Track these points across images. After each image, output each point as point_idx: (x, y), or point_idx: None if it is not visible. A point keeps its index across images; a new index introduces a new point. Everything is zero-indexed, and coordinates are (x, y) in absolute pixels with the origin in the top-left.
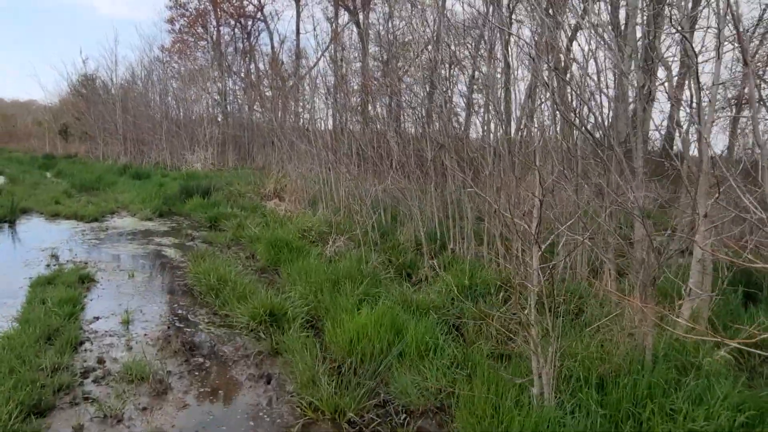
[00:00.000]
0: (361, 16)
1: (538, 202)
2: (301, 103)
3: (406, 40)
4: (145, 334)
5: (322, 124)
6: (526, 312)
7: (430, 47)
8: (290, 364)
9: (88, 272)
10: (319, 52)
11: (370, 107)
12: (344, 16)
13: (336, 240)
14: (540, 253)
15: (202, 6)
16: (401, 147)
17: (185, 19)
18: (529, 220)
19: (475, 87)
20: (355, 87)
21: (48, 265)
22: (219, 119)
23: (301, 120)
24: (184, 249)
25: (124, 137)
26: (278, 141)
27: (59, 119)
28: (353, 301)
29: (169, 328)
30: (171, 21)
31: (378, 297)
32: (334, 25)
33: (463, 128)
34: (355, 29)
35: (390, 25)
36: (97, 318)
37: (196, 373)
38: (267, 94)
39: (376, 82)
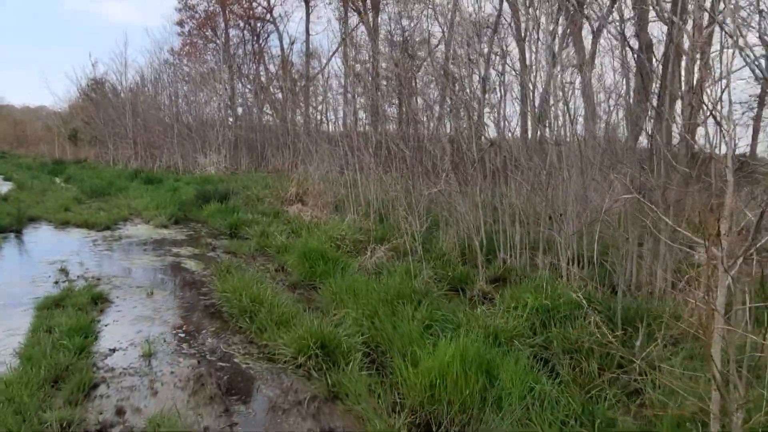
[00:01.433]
0: (370, 16)
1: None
2: (314, 104)
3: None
4: (172, 372)
5: (342, 124)
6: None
7: (441, 46)
8: (355, 413)
9: (101, 291)
10: (332, 52)
11: (401, 105)
12: (354, 17)
13: (375, 250)
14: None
15: (212, 8)
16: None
17: (194, 21)
18: (715, 237)
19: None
20: (384, 84)
21: (56, 282)
22: (230, 121)
23: (314, 121)
24: (206, 260)
25: (134, 141)
26: (296, 142)
27: (69, 124)
28: (418, 328)
29: (199, 362)
30: (180, 23)
31: (445, 322)
32: (343, 27)
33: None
34: (365, 30)
35: (405, 24)
36: (114, 350)
37: (241, 430)
38: (278, 96)
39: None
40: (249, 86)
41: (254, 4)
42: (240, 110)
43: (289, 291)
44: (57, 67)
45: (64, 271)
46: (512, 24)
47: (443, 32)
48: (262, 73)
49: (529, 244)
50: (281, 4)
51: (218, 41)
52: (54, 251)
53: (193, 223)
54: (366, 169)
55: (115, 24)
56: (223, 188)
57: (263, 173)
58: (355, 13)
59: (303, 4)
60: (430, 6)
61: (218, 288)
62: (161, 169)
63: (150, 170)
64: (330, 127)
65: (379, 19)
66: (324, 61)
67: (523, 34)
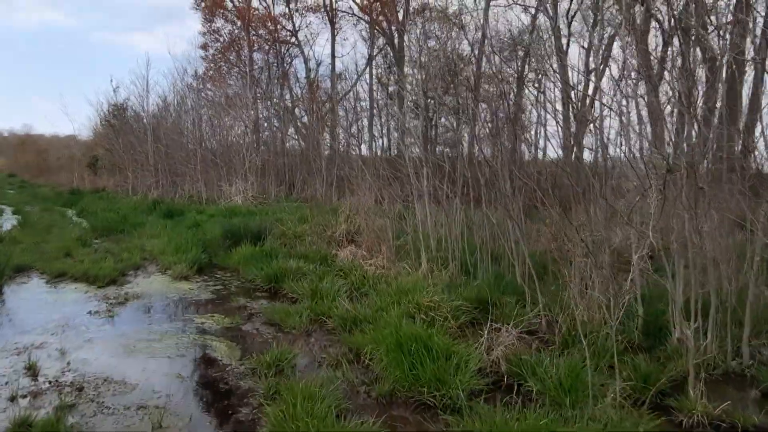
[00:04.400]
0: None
1: None
2: (344, 126)
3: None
4: None
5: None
6: None
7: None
8: None
9: (74, 425)
10: (364, 74)
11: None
12: (380, 39)
13: (500, 332)
14: None
15: (236, 31)
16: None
17: (219, 44)
18: None
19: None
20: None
21: (12, 398)
22: (255, 146)
23: (344, 143)
24: (242, 341)
25: (155, 168)
26: (330, 167)
27: (92, 151)
28: None
29: None
30: (204, 47)
31: None
32: (369, 50)
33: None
34: (390, 52)
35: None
36: None
37: None
38: (303, 119)
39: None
40: (274, 109)
41: (278, 27)
42: (266, 134)
43: (379, 414)
44: (84, 97)
45: (32, 369)
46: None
47: (473, 51)
48: (287, 97)
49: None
50: (306, 27)
51: (242, 66)
52: (32, 326)
53: (220, 271)
54: (439, 202)
55: (141, 54)
56: (256, 225)
57: (295, 202)
58: (381, 35)
59: (328, 25)
60: (458, 26)
61: (269, 420)
62: (183, 199)
63: (171, 201)
64: (365, 150)
65: (405, 39)
66: (351, 82)
67: (564, 48)
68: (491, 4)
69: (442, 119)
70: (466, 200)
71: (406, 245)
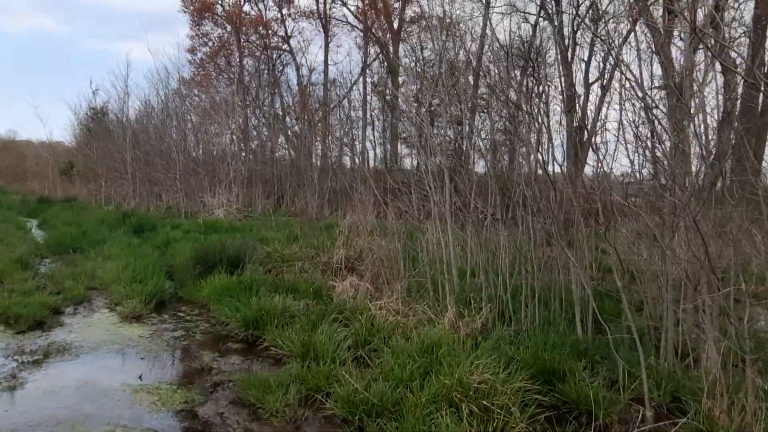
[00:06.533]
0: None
1: None
2: (340, 135)
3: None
4: None
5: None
6: None
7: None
8: None
9: None
10: (359, 82)
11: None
12: (375, 46)
13: None
14: None
15: (226, 36)
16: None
17: (208, 47)
18: None
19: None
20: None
21: None
22: (243, 156)
23: (335, 152)
24: None
25: (132, 176)
26: (323, 179)
27: (71, 157)
28: None
29: None
30: (192, 50)
31: None
32: (363, 58)
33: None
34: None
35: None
36: None
37: None
38: (294, 128)
39: None
40: (264, 117)
41: (270, 32)
42: (255, 143)
43: None
44: (65, 101)
45: None
46: (557, 49)
47: (471, 62)
48: (277, 105)
49: None
50: (299, 33)
51: (231, 72)
52: None
53: (185, 307)
54: (463, 223)
55: (133, 62)
56: (235, 246)
57: (284, 217)
58: (375, 43)
59: (322, 32)
60: (457, 35)
61: None
62: (160, 211)
63: (144, 213)
64: (358, 160)
65: (400, 48)
66: (345, 90)
67: (570, 59)
68: (491, 10)
69: (446, 129)
70: (503, 222)
71: (422, 279)
